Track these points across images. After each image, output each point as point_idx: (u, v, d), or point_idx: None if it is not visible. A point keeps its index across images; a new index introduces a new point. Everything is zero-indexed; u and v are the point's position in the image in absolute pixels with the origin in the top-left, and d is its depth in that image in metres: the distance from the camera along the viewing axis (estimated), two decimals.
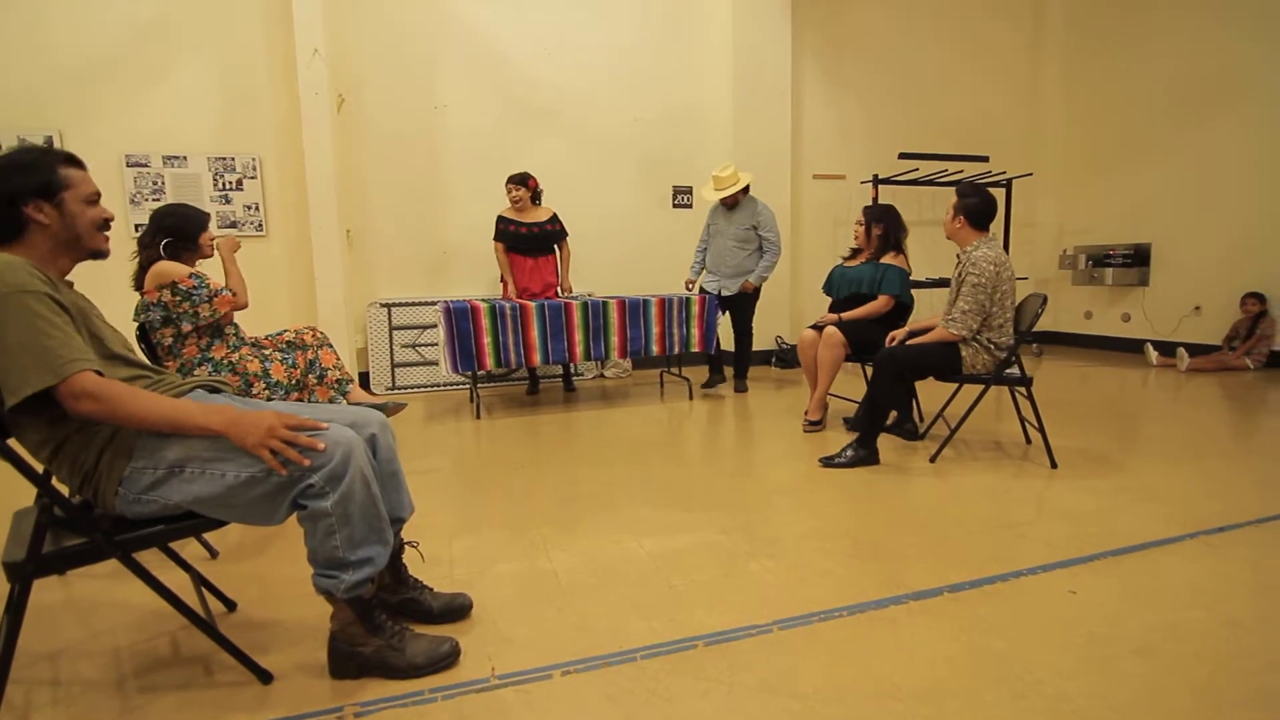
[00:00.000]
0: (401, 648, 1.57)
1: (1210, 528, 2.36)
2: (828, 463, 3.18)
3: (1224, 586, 1.94)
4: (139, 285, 2.82)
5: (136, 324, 2.82)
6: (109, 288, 2.80)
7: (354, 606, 1.53)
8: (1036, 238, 7.75)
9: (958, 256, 3.27)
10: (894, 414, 3.71)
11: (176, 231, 2.82)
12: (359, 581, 1.49)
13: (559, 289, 5.13)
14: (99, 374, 1.36)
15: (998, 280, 3.09)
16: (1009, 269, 3.14)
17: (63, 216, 1.48)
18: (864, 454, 3.18)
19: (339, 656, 1.57)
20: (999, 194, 6.79)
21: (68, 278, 1.55)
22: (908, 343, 3.31)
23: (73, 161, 1.52)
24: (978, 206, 3.19)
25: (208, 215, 2.95)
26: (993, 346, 3.16)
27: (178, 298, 2.72)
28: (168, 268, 2.76)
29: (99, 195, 1.55)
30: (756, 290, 5.06)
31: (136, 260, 2.84)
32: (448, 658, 1.60)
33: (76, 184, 1.50)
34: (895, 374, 3.20)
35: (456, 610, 1.83)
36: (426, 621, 1.80)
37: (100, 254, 1.56)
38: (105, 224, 1.55)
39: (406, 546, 1.89)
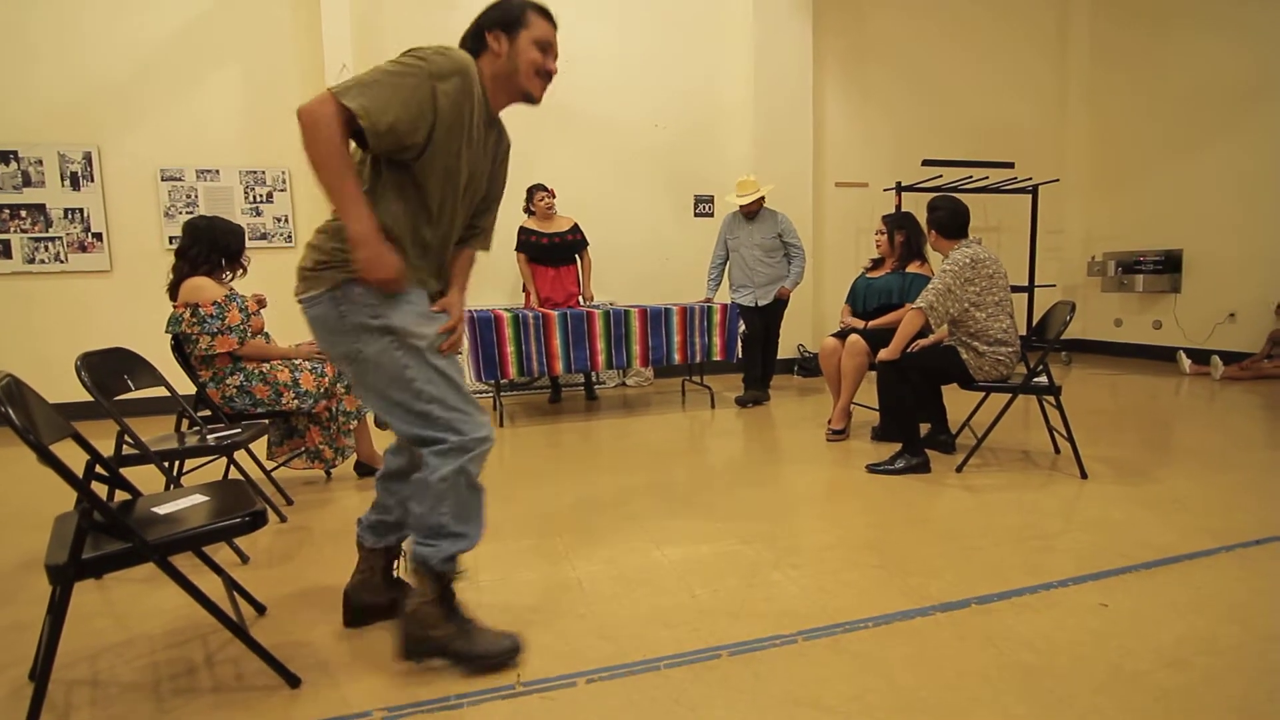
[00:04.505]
0: (470, 635, 1.62)
1: (1246, 540, 2.30)
2: (875, 469, 3.17)
3: (1260, 600, 1.89)
4: (174, 296, 2.89)
5: (170, 335, 2.89)
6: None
7: (439, 582, 1.61)
8: (1064, 244, 7.64)
9: None
10: (926, 426, 3.68)
11: (227, 251, 2.93)
12: (452, 554, 1.59)
13: (581, 298, 5.17)
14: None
15: (973, 271, 3.11)
16: (991, 266, 3.15)
17: (511, 50, 1.60)
18: (915, 463, 3.16)
19: (412, 639, 1.62)
20: (1025, 200, 6.74)
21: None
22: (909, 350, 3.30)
23: (543, 13, 1.65)
24: (944, 217, 3.28)
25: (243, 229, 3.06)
26: (986, 348, 3.13)
27: (194, 320, 2.79)
28: (201, 286, 2.83)
29: (552, 46, 1.65)
30: (787, 297, 5.06)
31: (172, 270, 2.91)
32: (512, 652, 1.64)
33: (536, 28, 1.62)
34: (898, 378, 3.19)
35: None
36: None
37: (531, 99, 1.67)
38: (546, 75, 1.65)
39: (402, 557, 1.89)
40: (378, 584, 1.87)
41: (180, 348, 2.97)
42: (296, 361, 3.03)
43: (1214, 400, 4.83)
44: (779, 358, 5.37)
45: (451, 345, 1.63)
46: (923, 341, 3.45)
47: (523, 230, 5.03)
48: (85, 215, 4.99)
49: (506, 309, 4.77)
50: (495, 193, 1.84)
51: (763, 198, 4.91)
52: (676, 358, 4.71)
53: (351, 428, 3.13)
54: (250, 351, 2.92)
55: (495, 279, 5.89)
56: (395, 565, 1.91)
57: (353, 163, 1.50)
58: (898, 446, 3.24)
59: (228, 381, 2.88)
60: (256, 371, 2.92)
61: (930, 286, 3.18)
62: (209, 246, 2.90)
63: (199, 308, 2.79)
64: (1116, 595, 1.94)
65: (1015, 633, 1.75)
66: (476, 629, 1.65)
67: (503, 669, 1.62)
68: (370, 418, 3.23)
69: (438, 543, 1.59)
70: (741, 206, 4.91)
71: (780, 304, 5.03)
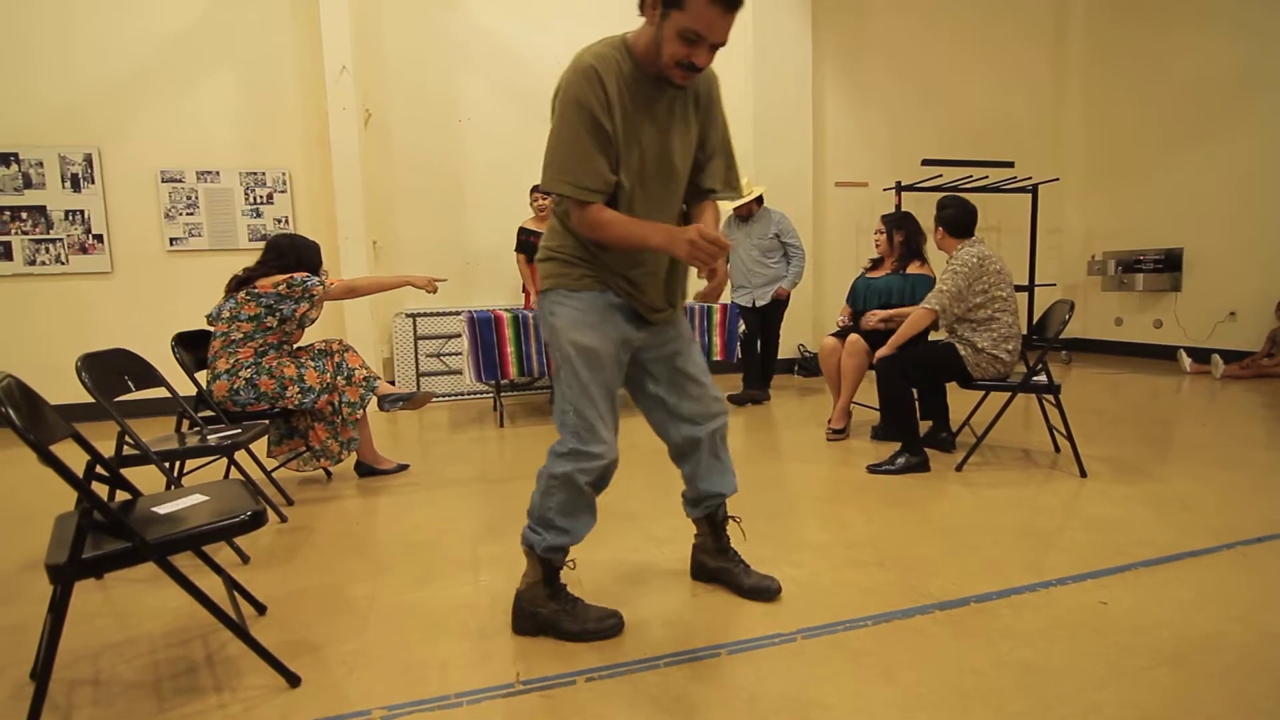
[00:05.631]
0: (575, 613, 1.76)
1: (1246, 538, 2.30)
2: (875, 469, 3.17)
3: (1260, 598, 1.89)
4: (234, 288, 2.99)
5: (230, 314, 2.96)
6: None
7: (544, 566, 1.75)
8: (1064, 243, 7.64)
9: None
10: (927, 424, 3.69)
11: (312, 266, 3.13)
12: (555, 546, 1.73)
13: None
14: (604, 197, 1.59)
15: (980, 270, 3.11)
16: (996, 264, 3.14)
17: (660, 29, 1.51)
18: (915, 461, 3.15)
19: (521, 614, 1.79)
20: (1024, 199, 6.74)
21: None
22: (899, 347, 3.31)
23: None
24: (954, 216, 3.27)
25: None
26: (988, 347, 3.13)
27: (292, 285, 2.95)
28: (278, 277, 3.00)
29: (703, 37, 1.47)
30: (786, 297, 5.05)
31: (244, 271, 3.04)
32: (614, 629, 1.76)
33: (690, 12, 1.45)
34: (897, 375, 3.19)
35: (764, 591, 1.96)
36: (736, 594, 1.98)
37: (673, 84, 1.58)
38: (690, 65, 1.52)
39: (730, 520, 2.06)
40: (710, 548, 2.05)
41: (184, 345, 2.99)
42: (301, 359, 3.05)
43: (1214, 399, 4.83)
44: (779, 357, 5.38)
45: (714, 286, 1.71)
46: (876, 314, 3.49)
47: (522, 230, 5.04)
48: (86, 217, 5.00)
49: (507, 309, 4.78)
50: (712, 148, 1.81)
51: (758, 199, 4.90)
52: None
53: (357, 418, 3.15)
54: (363, 284, 3.20)
55: (495, 279, 5.90)
56: (723, 538, 2.05)
57: (617, 216, 1.60)
58: (898, 446, 3.24)
59: (241, 374, 2.90)
60: (265, 366, 2.94)
61: (941, 289, 3.17)
62: (295, 262, 3.07)
63: (294, 275, 2.97)
64: (1116, 593, 1.94)
65: (1014, 631, 1.75)
66: (582, 607, 1.78)
67: (606, 639, 1.74)
68: (374, 403, 3.22)
69: (544, 533, 1.73)
70: (734, 209, 4.91)
71: (779, 304, 5.02)
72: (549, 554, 1.74)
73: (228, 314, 2.94)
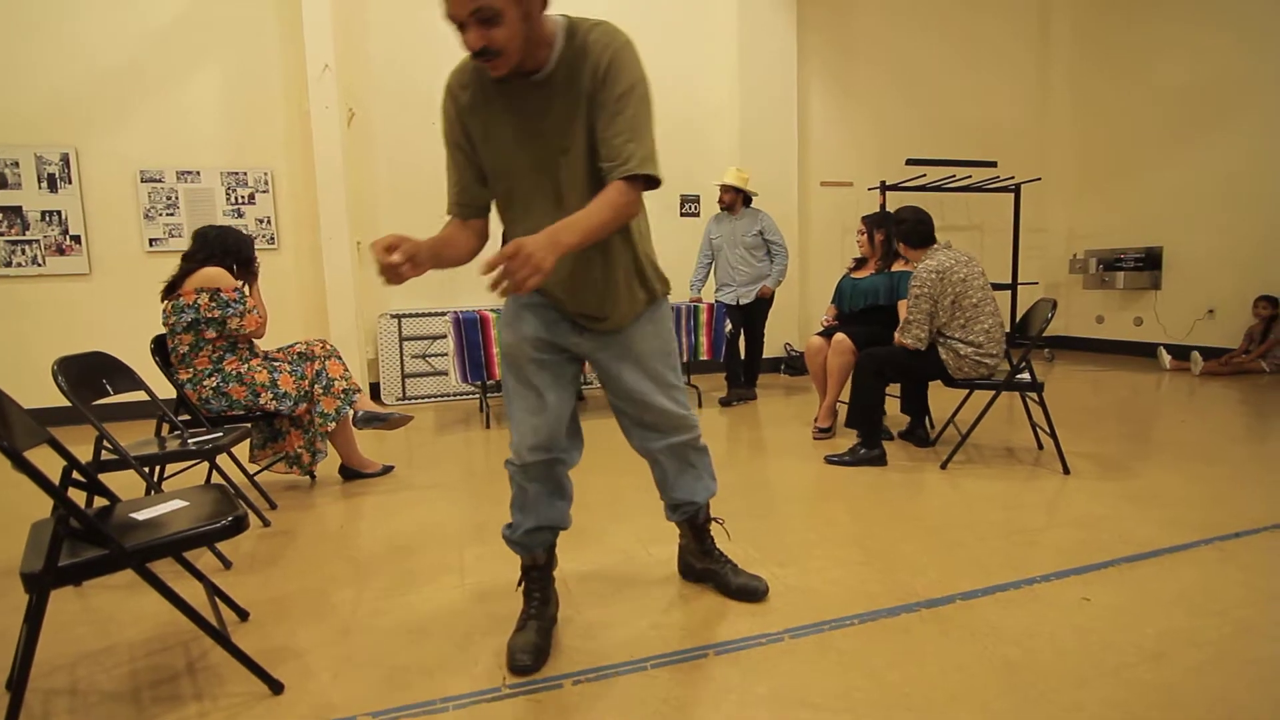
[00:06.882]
0: (522, 626, 1.73)
1: (1226, 533, 2.34)
2: (830, 460, 3.23)
3: (1239, 593, 1.92)
4: (170, 292, 2.88)
5: (168, 327, 2.87)
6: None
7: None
8: (1047, 242, 7.72)
9: None
10: (908, 419, 3.72)
11: (240, 256, 2.99)
12: (505, 535, 1.80)
13: None
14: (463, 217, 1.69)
15: (942, 286, 3.13)
16: (961, 271, 3.14)
17: None
18: (865, 454, 3.19)
19: None
20: (1007, 199, 6.80)
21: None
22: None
23: None
24: (908, 229, 3.35)
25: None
26: (968, 349, 3.15)
27: (214, 304, 2.82)
28: (216, 274, 2.87)
29: (454, 20, 1.35)
30: (770, 296, 5.06)
31: (178, 269, 2.92)
32: (519, 666, 1.62)
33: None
34: (874, 371, 3.24)
35: (751, 591, 1.96)
36: (723, 594, 1.98)
37: (488, 63, 1.39)
38: (473, 53, 1.38)
39: (713, 522, 2.05)
40: (695, 550, 2.05)
41: (162, 349, 2.94)
42: (276, 363, 3.00)
43: (1194, 395, 4.89)
44: (765, 357, 5.39)
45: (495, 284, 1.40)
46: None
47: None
48: (63, 218, 4.92)
49: (492, 310, 4.75)
50: (605, 124, 1.52)
51: (742, 194, 4.90)
52: None
53: (329, 430, 3.09)
54: (263, 320, 3.04)
55: (480, 280, 5.83)
56: (706, 540, 2.04)
57: (451, 228, 1.75)
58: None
59: (205, 384, 2.85)
60: (234, 373, 2.88)
61: (914, 319, 3.19)
62: (222, 252, 2.95)
63: (220, 292, 2.84)
64: (1098, 589, 1.96)
65: (998, 628, 1.76)
66: (531, 624, 1.73)
67: (520, 675, 1.62)
68: (350, 417, 3.18)
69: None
70: (720, 198, 4.92)
71: (763, 302, 5.04)
72: (507, 542, 1.79)
73: (168, 325, 2.86)
